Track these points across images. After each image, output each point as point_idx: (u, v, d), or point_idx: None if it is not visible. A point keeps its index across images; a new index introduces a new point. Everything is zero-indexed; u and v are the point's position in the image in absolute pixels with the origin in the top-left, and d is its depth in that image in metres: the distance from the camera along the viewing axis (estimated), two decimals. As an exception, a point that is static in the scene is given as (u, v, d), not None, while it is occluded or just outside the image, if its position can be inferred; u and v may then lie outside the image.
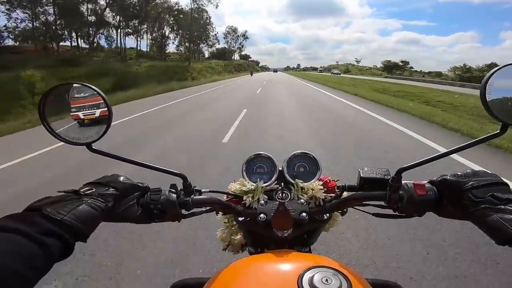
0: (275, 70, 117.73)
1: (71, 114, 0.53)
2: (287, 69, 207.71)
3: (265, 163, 0.64)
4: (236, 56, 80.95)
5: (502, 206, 0.37)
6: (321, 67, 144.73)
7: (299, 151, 0.64)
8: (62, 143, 0.48)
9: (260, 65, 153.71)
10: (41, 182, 3.36)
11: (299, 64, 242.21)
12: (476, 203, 0.40)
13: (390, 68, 71.94)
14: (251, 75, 54.84)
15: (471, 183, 0.42)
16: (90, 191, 0.43)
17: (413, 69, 71.84)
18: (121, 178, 0.49)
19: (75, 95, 0.50)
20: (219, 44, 65.17)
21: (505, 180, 0.42)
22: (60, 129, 0.48)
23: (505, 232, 0.35)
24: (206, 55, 63.74)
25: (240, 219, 0.58)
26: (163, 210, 0.48)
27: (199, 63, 46.43)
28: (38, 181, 3.39)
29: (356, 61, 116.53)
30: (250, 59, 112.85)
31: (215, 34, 58.74)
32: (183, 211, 0.51)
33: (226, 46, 75.10)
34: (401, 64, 73.09)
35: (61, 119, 0.50)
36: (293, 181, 0.60)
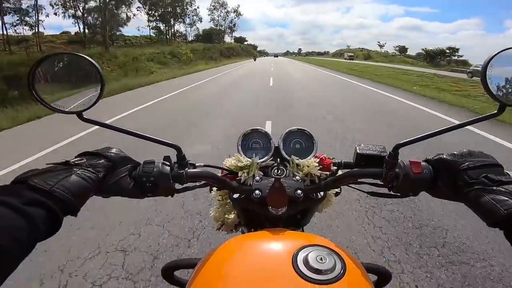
0: (276, 55, 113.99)
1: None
2: (287, 54, 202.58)
3: (261, 138, 0.63)
4: (228, 39, 65.58)
5: (495, 188, 0.37)
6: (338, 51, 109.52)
7: (295, 128, 0.64)
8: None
9: (258, 49, 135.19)
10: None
11: (300, 49, 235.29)
12: (470, 184, 0.40)
13: (433, 56, 51.43)
14: (255, 60, 49.67)
15: (466, 163, 0.42)
16: (81, 161, 0.41)
17: (461, 58, 49.98)
18: (114, 150, 0.47)
19: (66, 65, 0.49)
20: (200, 22, 54.62)
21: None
22: (51, 98, 0.46)
23: (496, 213, 0.35)
24: (190, 38, 51.17)
25: (235, 196, 0.57)
26: (156, 183, 0.46)
27: (151, 48, 28.59)
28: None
29: (380, 45, 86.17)
30: (246, 42, 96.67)
31: (195, 10, 46.04)
32: (177, 185, 0.50)
33: (213, 26, 58.76)
34: (448, 51, 50.69)
35: (52, 88, 0.49)
36: (288, 158, 0.59)
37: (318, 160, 0.59)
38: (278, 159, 0.61)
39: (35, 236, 0.30)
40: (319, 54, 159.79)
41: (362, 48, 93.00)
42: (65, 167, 0.39)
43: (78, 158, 0.42)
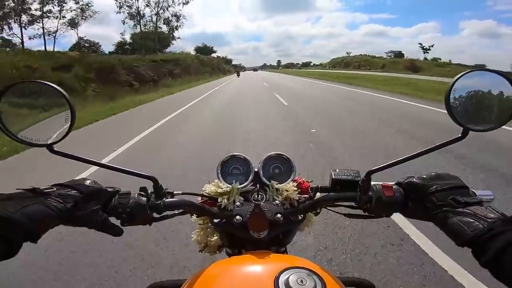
0: (255, 69, 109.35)
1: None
2: (264, 67, 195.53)
3: (241, 164, 0.64)
4: (180, 47, 45.85)
5: (461, 209, 0.39)
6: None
7: (273, 153, 0.65)
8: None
9: (233, 63, 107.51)
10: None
11: (279, 61, 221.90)
12: (438, 206, 0.42)
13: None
14: (238, 75, 41.17)
15: (434, 186, 0.44)
16: (49, 190, 0.41)
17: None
18: (88, 182, 0.46)
19: (33, 94, 0.48)
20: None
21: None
22: (18, 130, 0.45)
23: (463, 235, 0.37)
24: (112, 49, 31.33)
25: (216, 221, 0.57)
26: (132, 214, 0.46)
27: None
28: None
29: (424, 49, 58.16)
30: (215, 54, 67.54)
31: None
32: (155, 215, 0.50)
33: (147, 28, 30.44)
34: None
35: (18, 119, 0.47)
36: (268, 183, 0.60)
37: (296, 184, 0.60)
38: (258, 184, 0.62)
39: None
40: (304, 65, 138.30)
41: (367, 55, 65.24)
42: (31, 195, 0.39)
43: (48, 187, 0.42)
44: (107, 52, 30.63)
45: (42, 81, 0.44)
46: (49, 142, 0.45)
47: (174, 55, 30.98)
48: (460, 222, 0.38)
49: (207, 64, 42.01)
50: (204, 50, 61.26)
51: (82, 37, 27.96)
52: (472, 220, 0.37)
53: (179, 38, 35.24)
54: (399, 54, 64.80)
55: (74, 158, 0.48)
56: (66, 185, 0.44)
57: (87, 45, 29.78)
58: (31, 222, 0.35)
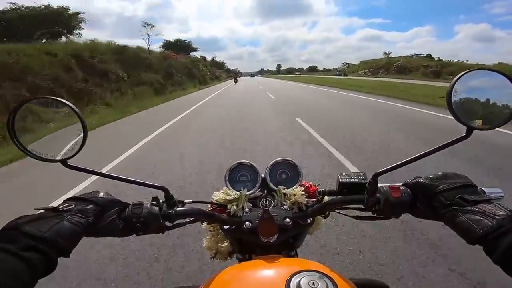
0: (252, 75, 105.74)
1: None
2: (261, 73, 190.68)
3: (248, 171, 0.65)
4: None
5: (470, 208, 0.40)
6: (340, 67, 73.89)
7: (280, 158, 0.66)
8: None
9: (227, 67, 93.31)
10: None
11: (279, 65, 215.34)
12: (446, 205, 0.42)
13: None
14: (236, 82, 35.30)
15: (442, 186, 0.44)
16: (69, 207, 0.43)
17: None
18: (101, 194, 0.48)
19: (48, 110, 0.49)
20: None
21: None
22: (33, 145, 0.46)
23: (473, 232, 0.37)
24: None
25: (226, 227, 0.58)
26: (146, 223, 0.48)
27: None
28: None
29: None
30: (194, 52, 45.14)
31: None
32: (167, 223, 0.51)
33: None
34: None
35: (33, 134, 0.48)
36: (276, 188, 0.61)
37: (304, 188, 0.61)
38: (266, 190, 0.63)
39: (34, 276, 0.33)
40: (311, 70, 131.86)
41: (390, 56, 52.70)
42: (55, 213, 0.41)
43: (67, 204, 0.44)
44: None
45: (55, 97, 0.45)
46: (63, 157, 0.46)
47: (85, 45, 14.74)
48: (469, 220, 0.38)
49: (179, 69, 24.29)
50: (178, 46, 39.49)
51: None
52: (481, 218, 0.37)
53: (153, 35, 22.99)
54: (429, 56, 51.24)
55: (90, 172, 0.49)
56: (82, 198, 0.46)
57: None
58: (61, 239, 0.38)
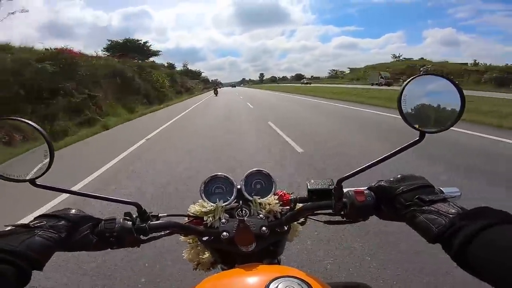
0: (233, 85, 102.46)
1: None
2: (243, 83, 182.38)
3: (223, 183, 0.66)
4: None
5: (427, 207, 0.41)
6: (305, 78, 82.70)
7: (254, 169, 0.67)
8: None
9: (204, 78, 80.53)
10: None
11: (262, 74, 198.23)
12: (406, 206, 0.44)
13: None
14: (216, 94, 30.52)
15: (401, 187, 0.46)
16: (41, 223, 0.43)
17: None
18: (73, 211, 0.49)
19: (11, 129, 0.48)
20: None
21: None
22: (1, 166, 0.46)
23: (431, 231, 0.38)
24: None
25: (204, 238, 0.58)
26: (120, 237, 0.49)
27: None
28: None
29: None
30: (153, 57, 36.14)
31: None
32: (142, 237, 0.51)
33: None
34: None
35: None
36: (251, 198, 0.62)
37: (278, 196, 0.63)
38: (241, 201, 0.64)
39: None
40: (298, 78, 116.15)
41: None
42: (26, 229, 0.41)
43: (38, 221, 0.44)
44: None
45: (19, 118, 0.46)
46: (31, 177, 0.46)
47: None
48: (426, 220, 0.40)
49: (96, 75, 13.18)
50: (128, 48, 29.59)
51: None
52: (435, 217, 0.39)
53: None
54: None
55: (59, 191, 0.50)
56: (53, 215, 0.46)
57: None
58: (33, 253, 0.38)
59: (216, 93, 30.75)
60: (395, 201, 0.46)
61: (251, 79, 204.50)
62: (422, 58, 52.65)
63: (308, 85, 52.53)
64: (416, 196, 0.44)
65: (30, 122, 0.45)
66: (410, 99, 0.43)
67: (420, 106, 0.44)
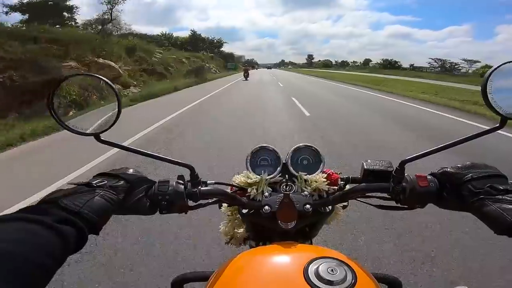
0: (269, 67, 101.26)
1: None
2: (281, 65, 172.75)
3: (269, 155, 0.64)
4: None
5: (500, 197, 0.38)
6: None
7: (302, 144, 0.65)
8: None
9: (236, 58, 69.79)
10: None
11: (310, 55, 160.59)
12: (475, 194, 0.41)
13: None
14: (246, 77, 23.38)
15: (470, 174, 0.43)
16: (102, 183, 0.43)
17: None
18: (131, 171, 0.49)
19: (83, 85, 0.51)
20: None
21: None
22: (72, 121, 0.47)
23: (503, 221, 0.36)
24: None
25: (244, 211, 0.59)
26: (171, 201, 0.48)
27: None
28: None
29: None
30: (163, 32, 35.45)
31: None
32: (190, 203, 0.52)
33: None
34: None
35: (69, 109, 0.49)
36: (296, 174, 0.61)
37: (325, 175, 0.60)
38: (286, 175, 0.62)
39: (65, 251, 0.32)
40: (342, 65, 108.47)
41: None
42: (89, 188, 0.41)
43: (99, 179, 0.44)
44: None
45: (91, 74, 0.47)
46: (96, 131, 0.47)
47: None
48: (500, 209, 0.37)
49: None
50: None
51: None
52: (511, 207, 0.36)
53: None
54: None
55: (120, 147, 0.51)
56: (113, 175, 0.46)
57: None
58: (95, 215, 0.38)
59: (246, 76, 24.26)
60: (462, 188, 0.43)
61: (292, 61, 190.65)
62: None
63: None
64: (488, 185, 0.41)
65: (100, 76, 0.46)
66: (494, 85, 0.42)
67: (504, 92, 0.42)
